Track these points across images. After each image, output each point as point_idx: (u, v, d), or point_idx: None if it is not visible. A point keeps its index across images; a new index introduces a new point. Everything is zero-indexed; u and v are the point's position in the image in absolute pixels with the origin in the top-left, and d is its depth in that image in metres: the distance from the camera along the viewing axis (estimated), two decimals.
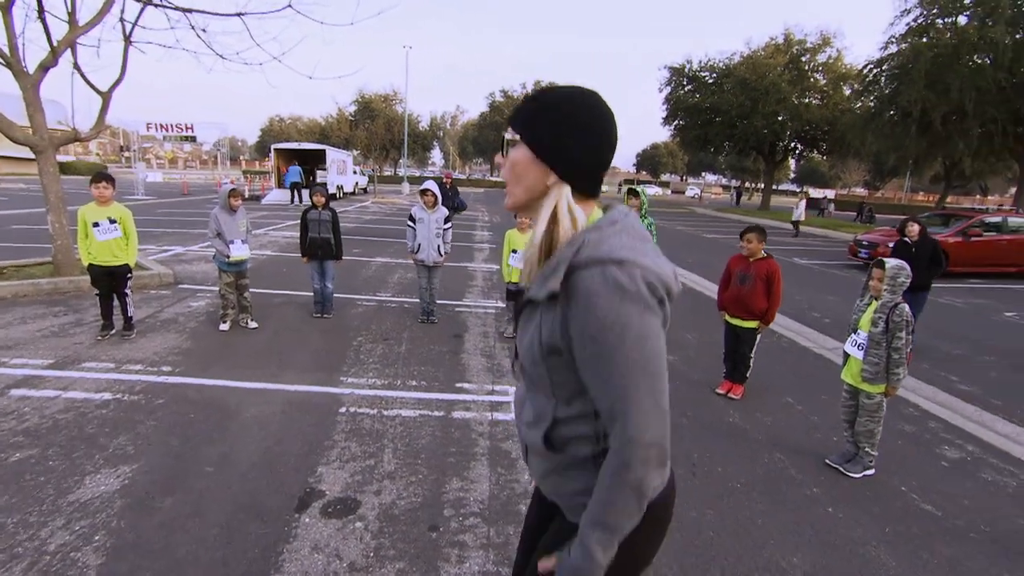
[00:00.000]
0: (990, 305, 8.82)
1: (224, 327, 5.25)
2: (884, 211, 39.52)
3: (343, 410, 3.68)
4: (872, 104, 20.60)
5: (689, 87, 32.53)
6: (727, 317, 4.41)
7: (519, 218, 5.20)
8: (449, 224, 5.85)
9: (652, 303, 0.88)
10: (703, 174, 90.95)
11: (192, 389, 3.86)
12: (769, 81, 27.04)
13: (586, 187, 0.99)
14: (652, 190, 61.23)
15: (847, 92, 27.82)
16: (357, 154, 34.62)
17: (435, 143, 58.61)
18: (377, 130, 41.97)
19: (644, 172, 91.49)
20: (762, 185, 64.79)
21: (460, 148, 71.58)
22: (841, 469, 3.29)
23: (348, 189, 28.06)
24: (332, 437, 3.30)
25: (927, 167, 43.81)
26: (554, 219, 0.97)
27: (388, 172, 56.88)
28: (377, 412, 3.69)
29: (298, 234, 5.90)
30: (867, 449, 3.27)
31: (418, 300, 6.07)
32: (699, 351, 5.41)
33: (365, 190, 32.71)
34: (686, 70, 32.33)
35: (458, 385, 4.23)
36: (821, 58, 28.72)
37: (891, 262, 3.14)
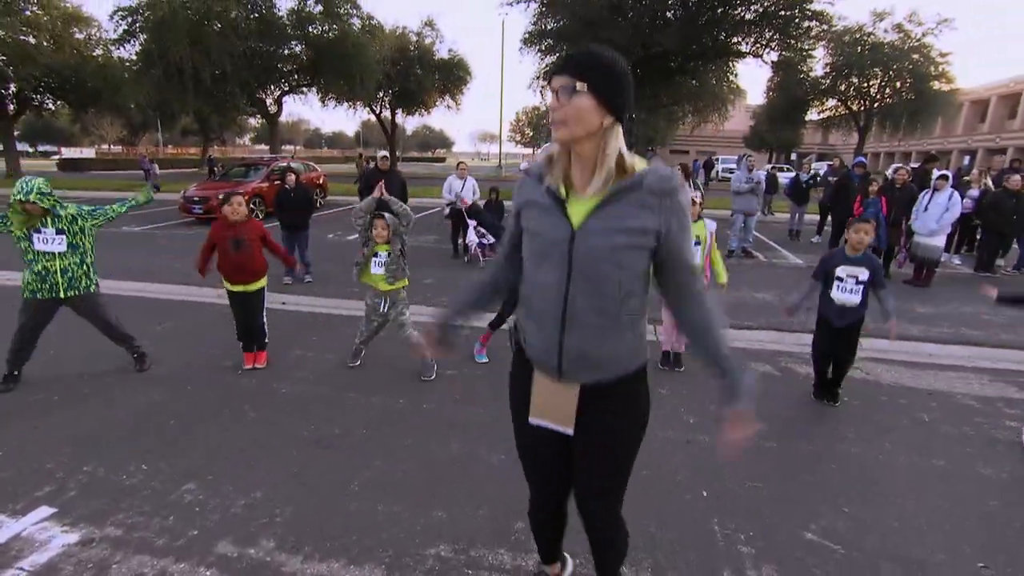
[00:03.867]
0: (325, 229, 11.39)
1: None
2: (171, 166, 39.55)
3: None
4: (136, 57, 19.67)
5: None
6: (230, 286, 4.21)
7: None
8: None
9: None
10: None
11: None
12: None
13: (623, 125, 1.38)
14: None
15: (80, 37, 24.97)
16: None
17: None
18: None
19: None
20: None
21: None
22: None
23: None
24: None
25: (179, 121, 46.30)
26: (620, 152, 1.35)
27: None
28: None
29: None
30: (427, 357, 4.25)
31: None
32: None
33: None
34: None
35: None
36: None
37: (386, 215, 4.04)
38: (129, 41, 19.81)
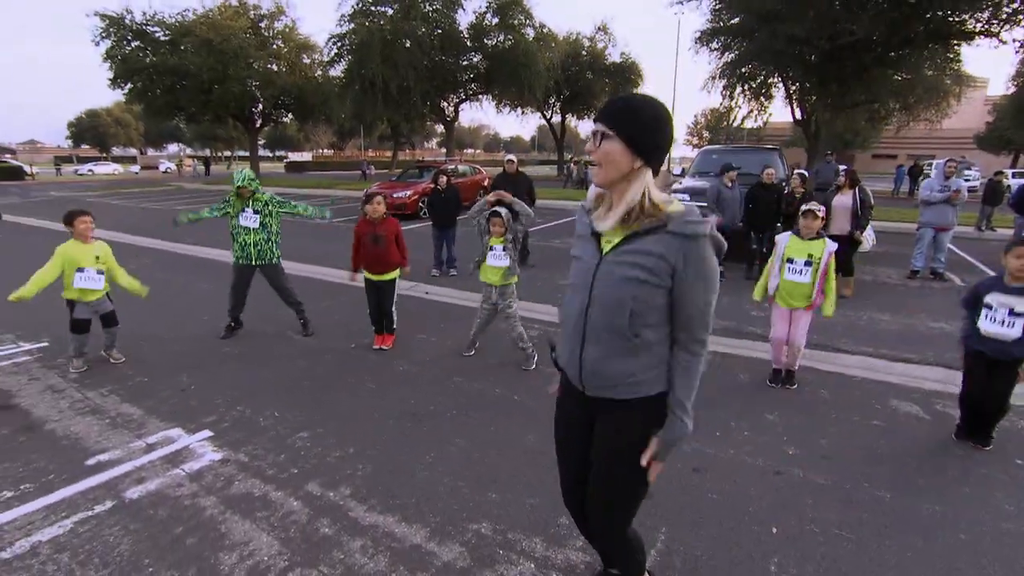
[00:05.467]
0: None
1: None
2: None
3: None
4: (342, 75, 23.40)
5: (137, 43, 27.57)
6: (368, 275, 4.80)
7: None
8: None
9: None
10: (165, 145, 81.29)
11: None
12: (236, 45, 26.11)
13: (656, 168, 1.48)
14: (106, 168, 49.79)
15: (307, 62, 30.22)
16: None
17: None
18: None
19: (86, 147, 73.73)
20: (235, 153, 64.22)
21: None
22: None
23: None
24: None
25: (377, 128, 52.97)
26: (645, 193, 1.45)
27: None
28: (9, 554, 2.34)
29: None
30: (527, 348, 4.51)
31: None
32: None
33: None
34: (127, 21, 27.08)
35: (92, 462, 3.06)
36: (278, 26, 29.71)
37: (502, 211, 4.31)
38: (339, 62, 23.59)
